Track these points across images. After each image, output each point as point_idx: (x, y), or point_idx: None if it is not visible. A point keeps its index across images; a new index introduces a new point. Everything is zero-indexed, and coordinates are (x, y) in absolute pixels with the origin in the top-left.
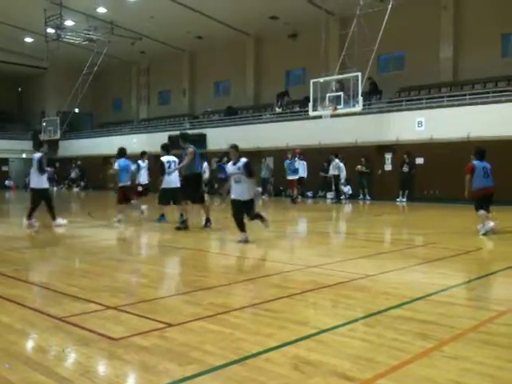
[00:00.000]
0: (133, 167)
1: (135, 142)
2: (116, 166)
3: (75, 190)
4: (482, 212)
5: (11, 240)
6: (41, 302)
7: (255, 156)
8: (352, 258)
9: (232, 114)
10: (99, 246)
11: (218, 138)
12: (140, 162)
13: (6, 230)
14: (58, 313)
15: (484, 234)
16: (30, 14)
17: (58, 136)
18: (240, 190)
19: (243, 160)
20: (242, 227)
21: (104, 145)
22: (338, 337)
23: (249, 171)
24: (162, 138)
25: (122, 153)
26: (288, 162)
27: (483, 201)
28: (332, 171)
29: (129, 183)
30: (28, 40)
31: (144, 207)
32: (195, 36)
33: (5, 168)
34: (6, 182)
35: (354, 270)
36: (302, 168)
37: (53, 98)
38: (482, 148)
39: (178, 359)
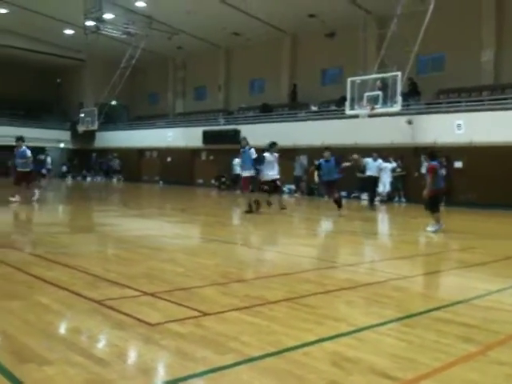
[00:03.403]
0: (28, 154)
1: (170, 136)
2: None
3: (115, 180)
4: (437, 213)
5: (48, 226)
6: (78, 285)
7: (289, 154)
8: (388, 259)
9: (267, 111)
10: (134, 234)
11: (252, 134)
12: (267, 154)
13: (43, 216)
14: (95, 296)
15: (434, 232)
16: (69, 6)
17: (95, 127)
18: None
19: None
20: None
21: (139, 137)
22: (377, 335)
23: None
24: (197, 132)
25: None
26: (247, 149)
27: (439, 200)
28: (372, 172)
29: (27, 169)
30: (67, 32)
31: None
32: (232, 32)
33: (41, 157)
34: (43, 171)
35: (391, 271)
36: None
37: (91, 90)
38: (434, 150)
39: (214, 348)
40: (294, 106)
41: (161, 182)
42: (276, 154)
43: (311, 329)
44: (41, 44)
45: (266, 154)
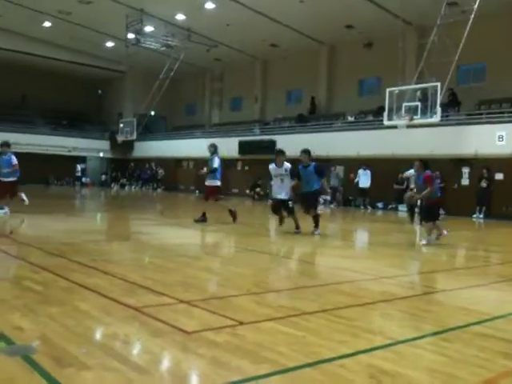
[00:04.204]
0: (14, 161)
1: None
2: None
3: (155, 190)
4: (438, 222)
5: (88, 233)
6: (117, 291)
7: (325, 164)
8: (426, 272)
9: (303, 122)
10: (171, 242)
11: (288, 145)
12: (271, 166)
13: (82, 223)
14: (132, 303)
15: (426, 245)
16: (111, 20)
17: (134, 137)
18: None
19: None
20: None
21: (176, 147)
22: (414, 349)
23: None
24: (233, 143)
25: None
26: (213, 157)
27: (438, 210)
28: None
29: (12, 178)
30: (109, 44)
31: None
32: (270, 44)
33: (82, 166)
34: (83, 179)
35: (429, 284)
36: (365, 178)
37: (130, 101)
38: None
39: (250, 357)
40: (329, 117)
41: (197, 192)
42: (287, 166)
43: (347, 341)
44: (83, 56)
45: (271, 167)
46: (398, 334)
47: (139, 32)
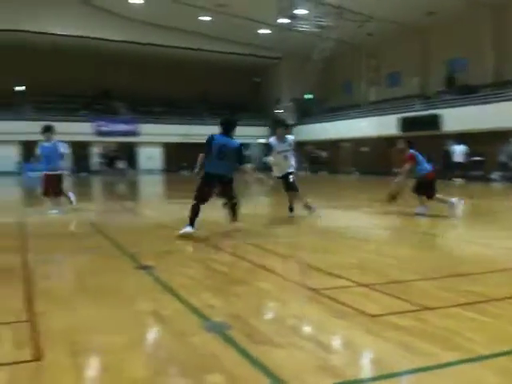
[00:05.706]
0: (62, 150)
1: (364, 126)
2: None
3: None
4: (438, 196)
5: (258, 217)
6: (293, 272)
7: (497, 137)
8: None
9: (470, 93)
10: (337, 225)
11: (455, 118)
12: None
13: (251, 209)
14: (310, 284)
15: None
16: (263, 7)
17: (293, 122)
18: None
19: None
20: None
21: (333, 129)
22: None
23: None
24: (392, 120)
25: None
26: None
27: (433, 184)
28: None
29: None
30: (262, 32)
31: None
32: (426, 12)
33: (247, 153)
34: (248, 166)
35: None
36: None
37: (286, 86)
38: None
39: (439, 343)
40: (499, 85)
41: (357, 173)
42: (291, 139)
43: None
44: (238, 46)
45: (273, 142)
46: None
47: (292, 16)
